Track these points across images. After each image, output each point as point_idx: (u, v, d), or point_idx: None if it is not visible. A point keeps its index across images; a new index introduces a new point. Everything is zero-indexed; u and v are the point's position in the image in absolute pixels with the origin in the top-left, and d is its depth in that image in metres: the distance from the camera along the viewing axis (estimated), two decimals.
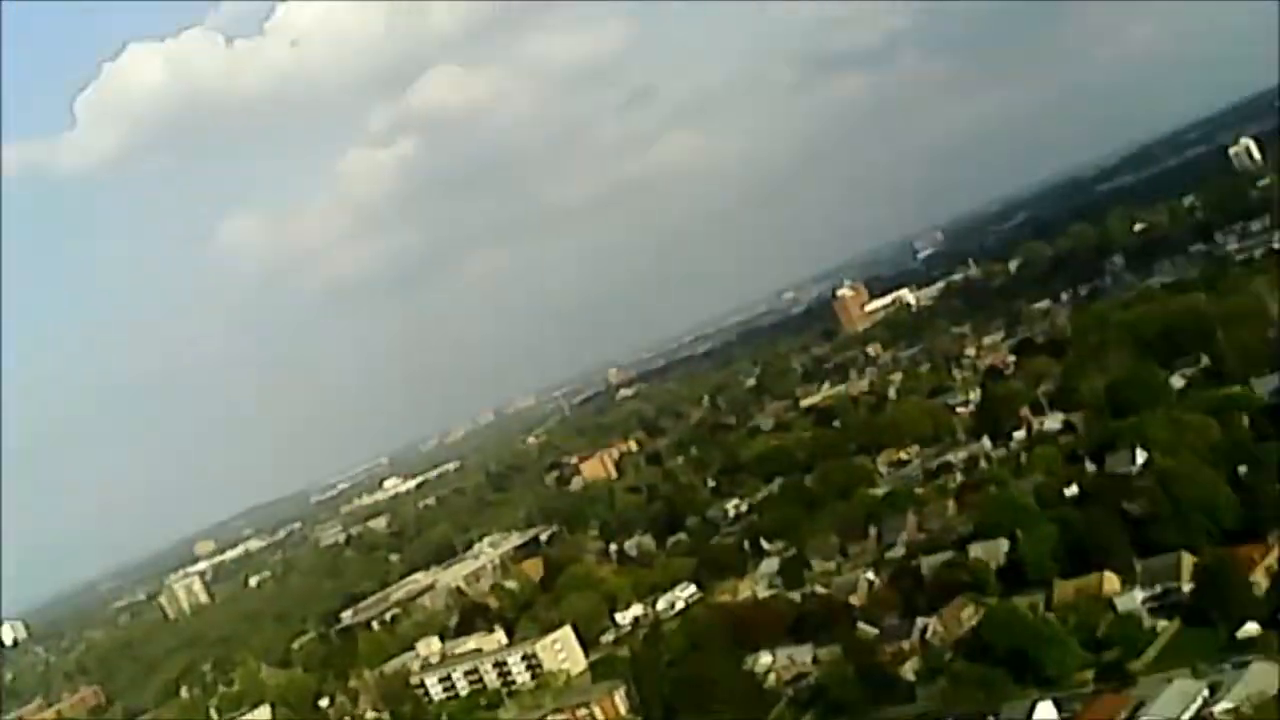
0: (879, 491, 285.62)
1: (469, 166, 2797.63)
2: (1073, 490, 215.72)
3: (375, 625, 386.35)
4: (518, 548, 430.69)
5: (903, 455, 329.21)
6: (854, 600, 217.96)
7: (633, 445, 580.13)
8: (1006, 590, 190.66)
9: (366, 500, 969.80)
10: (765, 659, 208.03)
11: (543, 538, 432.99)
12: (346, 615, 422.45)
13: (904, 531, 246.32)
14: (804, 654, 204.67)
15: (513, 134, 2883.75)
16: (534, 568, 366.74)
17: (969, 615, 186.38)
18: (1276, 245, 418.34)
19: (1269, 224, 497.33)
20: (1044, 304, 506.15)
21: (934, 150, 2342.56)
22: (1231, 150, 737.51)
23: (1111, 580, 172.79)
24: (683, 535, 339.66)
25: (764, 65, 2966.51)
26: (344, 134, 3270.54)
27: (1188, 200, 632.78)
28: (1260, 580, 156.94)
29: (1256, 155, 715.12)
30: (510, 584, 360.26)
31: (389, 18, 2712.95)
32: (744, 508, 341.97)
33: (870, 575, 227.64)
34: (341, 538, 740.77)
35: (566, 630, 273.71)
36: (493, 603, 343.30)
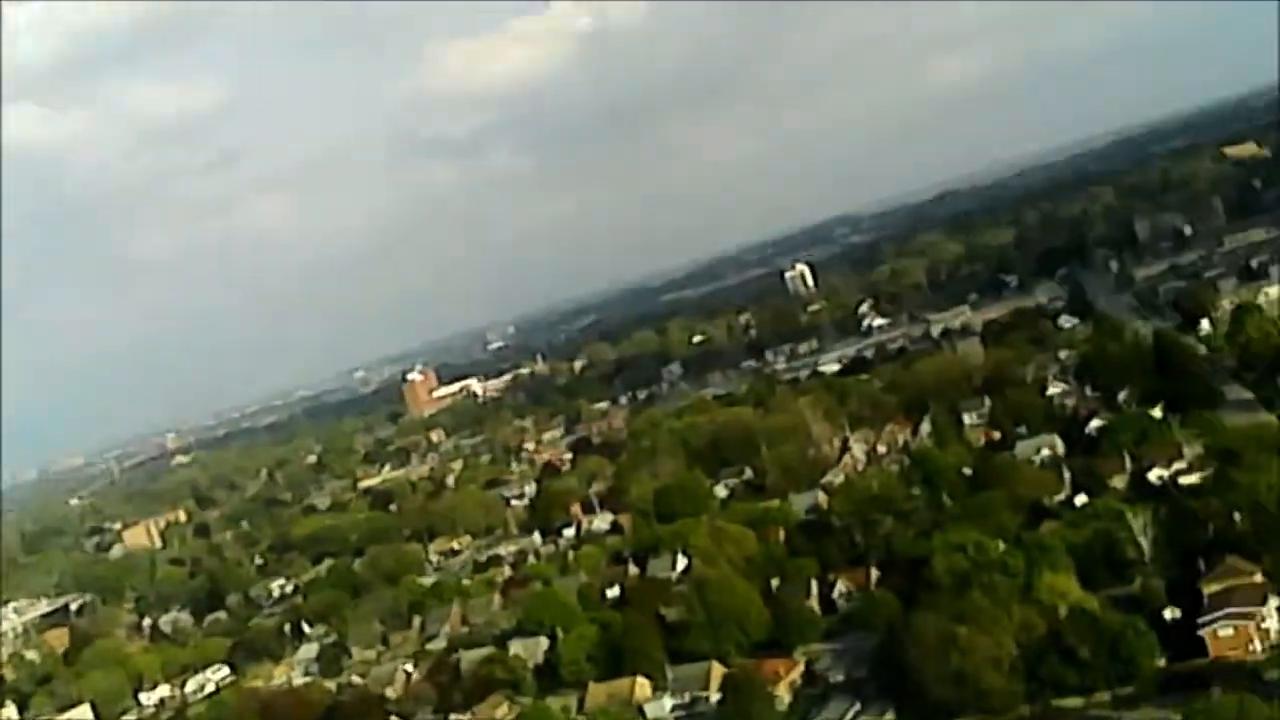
0: (427, 580, 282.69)
1: (44, 208, 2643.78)
2: (615, 591, 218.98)
3: None
4: (44, 615, 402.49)
5: (455, 545, 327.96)
6: (390, 692, 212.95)
7: (182, 515, 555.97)
8: (543, 690, 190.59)
9: None
10: None
11: (73, 607, 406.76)
12: None
13: (447, 623, 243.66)
14: None
15: (91, 180, 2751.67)
16: (59, 639, 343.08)
17: (503, 714, 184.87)
18: (821, 368, 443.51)
19: (815, 347, 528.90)
20: (604, 404, 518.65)
21: (513, 244, 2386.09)
22: (788, 274, 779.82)
23: (643, 686, 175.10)
24: (223, 613, 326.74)
25: (357, 141, 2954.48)
26: None
27: (744, 317, 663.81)
28: (783, 694, 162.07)
29: (810, 281, 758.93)
30: (31, 654, 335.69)
31: None
32: (289, 588, 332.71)
33: (409, 667, 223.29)
34: None
35: (85, 710, 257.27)
36: (8, 674, 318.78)
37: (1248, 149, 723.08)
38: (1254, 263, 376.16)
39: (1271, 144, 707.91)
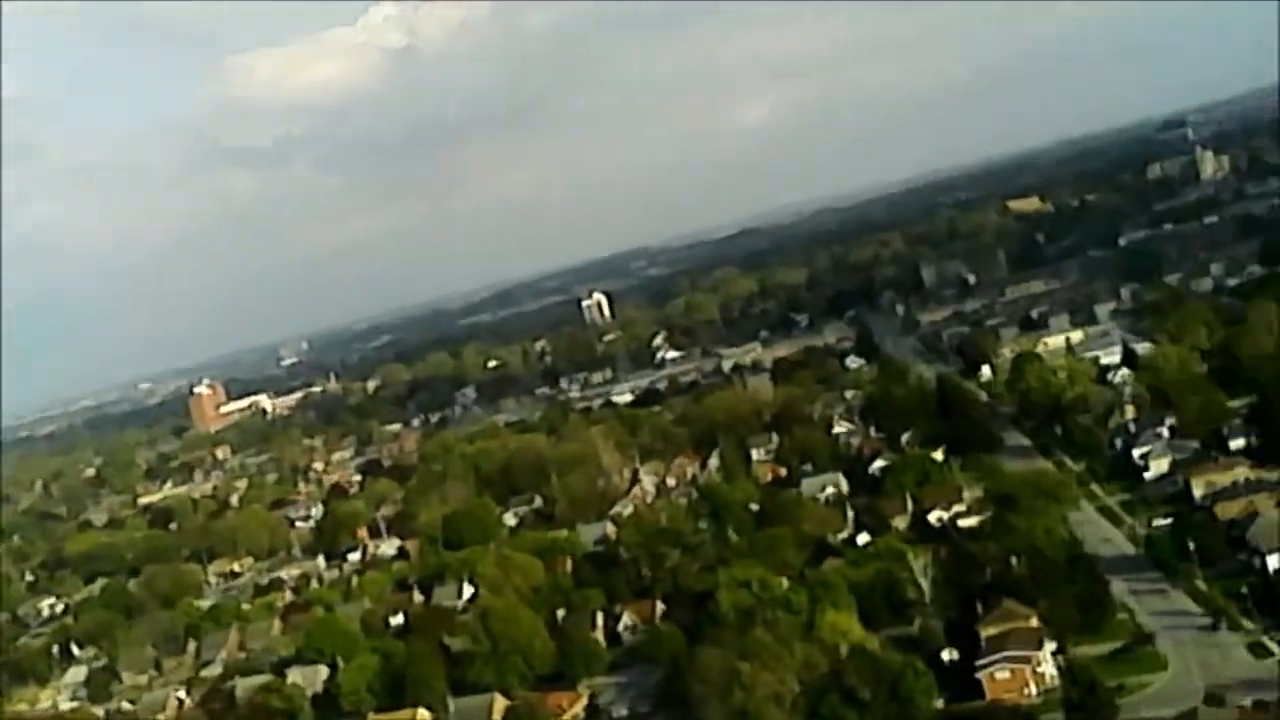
0: (205, 603, 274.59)
1: None
2: (399, 619, 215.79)
3: None
4: None
5: (236, 566, 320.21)
6: None
7: None
8: None
9: None
10: None
11: None
12: None
13: (224, 649, 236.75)
14: None
15: None
16: None
17: None
18: (614, 398, 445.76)
19: (610, 377, 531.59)
20: (396, 426, 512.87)
21: (312, 260, 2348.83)
22: (585, 303, 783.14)
23: (424, 717, 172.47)
24: None
25: (157, 145, 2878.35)
26: None
27: (540, 344, 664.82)
28: None
29: (606, 311, 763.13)
30: None
31: None
32: (60, 607, 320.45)
33: (182, 694, 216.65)
34: None
35: None
36: None
37: (1031, 203, 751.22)
38: (1034, 313, 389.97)
39: (1054, 199, 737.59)
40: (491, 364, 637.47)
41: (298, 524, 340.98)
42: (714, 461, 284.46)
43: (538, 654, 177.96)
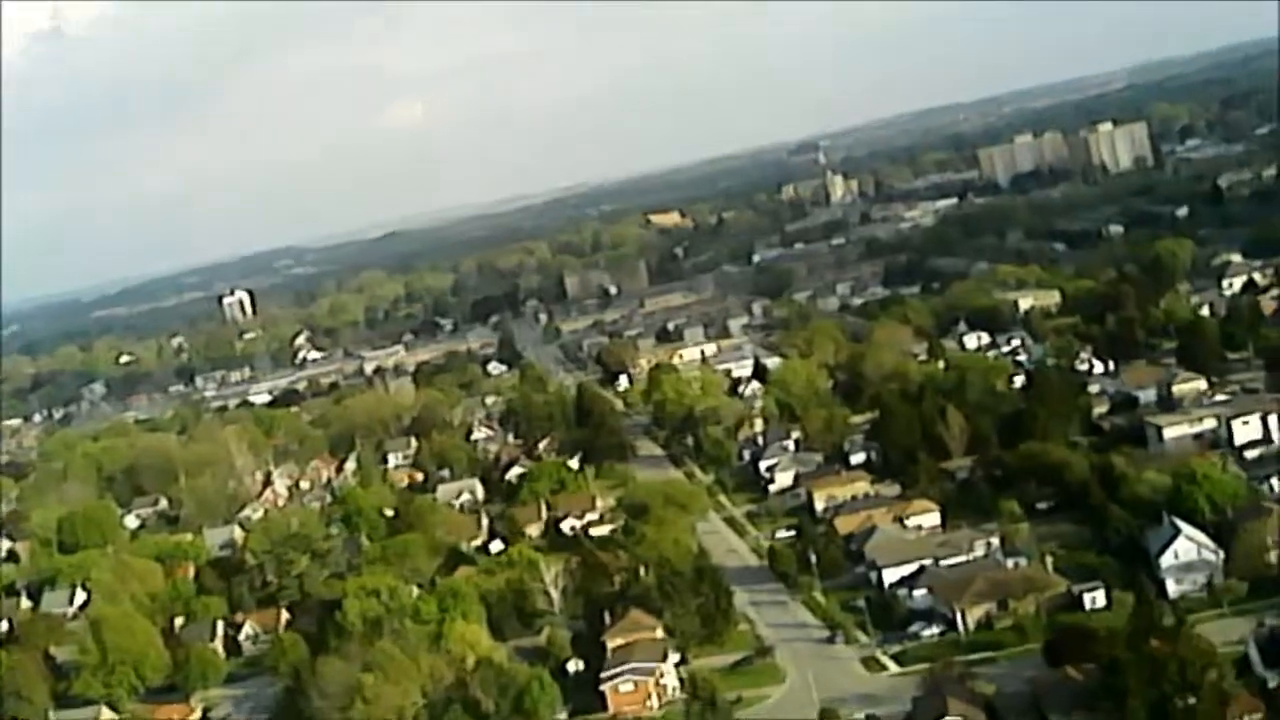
0: None
1: None
2: (3, 627, 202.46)
3: None
4: None
5: None
6: None
7: None
8: None
9: None
10: None
11: None
12: None
13: None
14: None
15: None
16: None
17: None
18: (252, 397, 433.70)
19: (249, 376, 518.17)
20: (15, 422, 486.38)
21: None
22: (226, 300, 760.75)
23: None
24: None
25: None
26: None
27: (177, 340, 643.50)
28: None
29: (248, 309, 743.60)
30: None
31: None
32: None
33: None
34: None
35: None
36: None
37: (672, 218, 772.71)
38: (671, 325, 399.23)
39: (694, 215, 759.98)
40: (124, 359, 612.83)
41: None
42: (351, 465, 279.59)
43: (151, 665, 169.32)
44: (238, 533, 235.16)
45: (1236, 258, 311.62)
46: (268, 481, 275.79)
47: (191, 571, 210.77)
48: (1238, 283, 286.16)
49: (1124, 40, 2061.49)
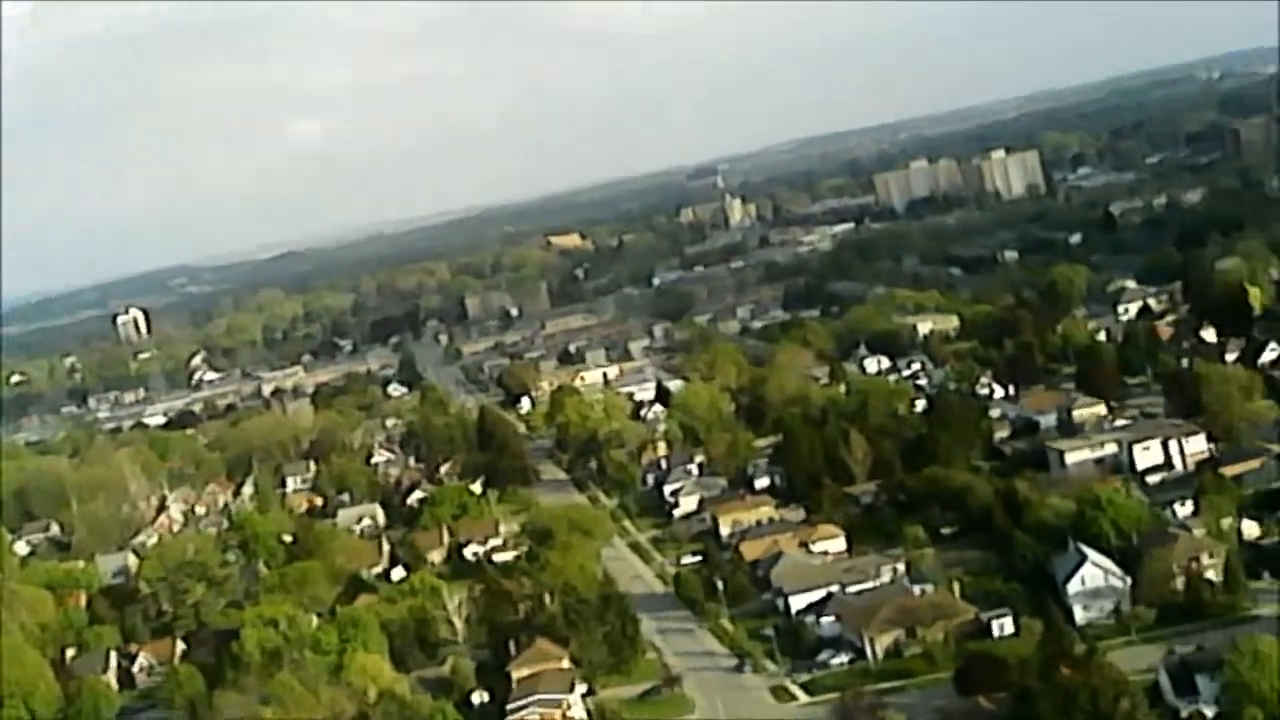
0: None
1: None
2: None
3: None
4: None
5: None
6: None
7: None
8: None
9: None
10: None
11: None
12: None
13: None
14: None
15: None
16: None
17: None
18: (146, 419, 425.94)
19: (143, 397, 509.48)
20: None
21: None
22: (120, 319, 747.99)
23: None
24: None
25: None
26: None
27: (69, 360, 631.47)
28: None
29: (143, 328, 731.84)
30: None
31: None
32: None
33: None
34: None
35: None
36: None
37: (573, 239, 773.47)
38: (573, 347, 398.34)
39: (594, 237, 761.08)
40: (15, 379, 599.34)
41: None
42: (248, 489, 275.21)
43: (41, 698, 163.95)
44: (132, 560, 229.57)
45: (1131, 284, 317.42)
46: (162, 506, 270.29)
47: (84, 600, 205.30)
48: (1133, 308, 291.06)
49: (1015, 71, 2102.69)
